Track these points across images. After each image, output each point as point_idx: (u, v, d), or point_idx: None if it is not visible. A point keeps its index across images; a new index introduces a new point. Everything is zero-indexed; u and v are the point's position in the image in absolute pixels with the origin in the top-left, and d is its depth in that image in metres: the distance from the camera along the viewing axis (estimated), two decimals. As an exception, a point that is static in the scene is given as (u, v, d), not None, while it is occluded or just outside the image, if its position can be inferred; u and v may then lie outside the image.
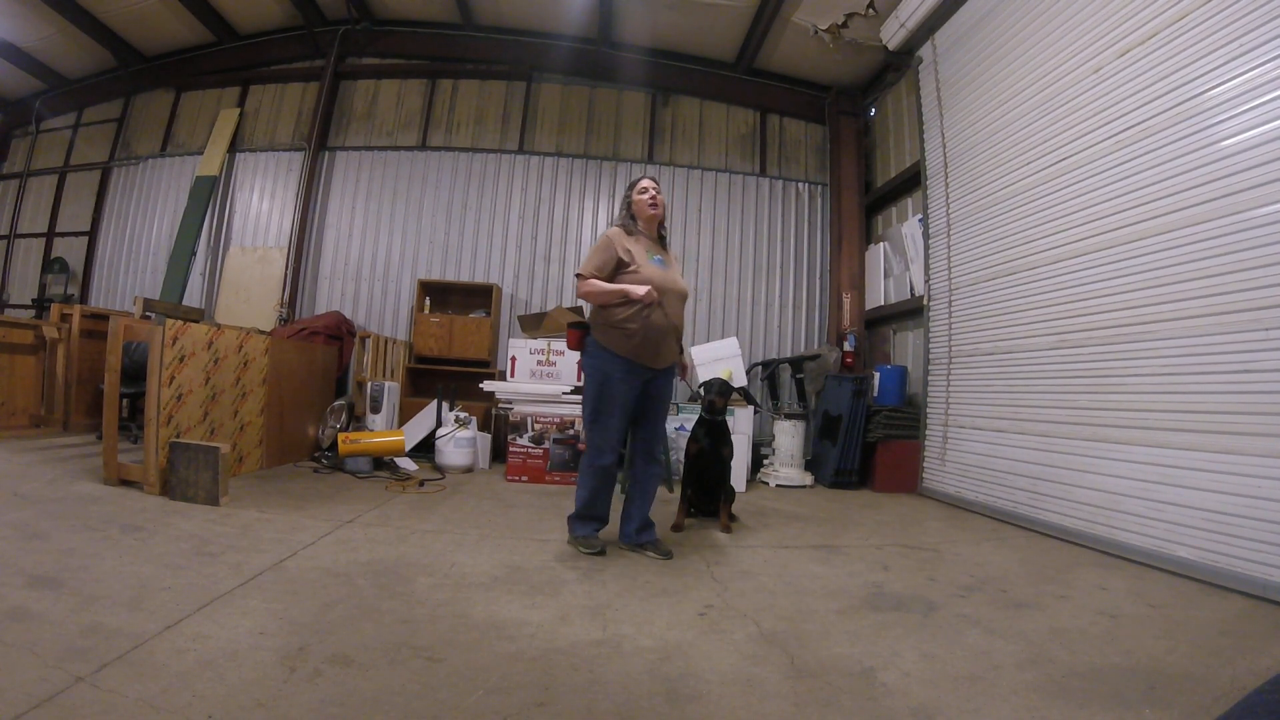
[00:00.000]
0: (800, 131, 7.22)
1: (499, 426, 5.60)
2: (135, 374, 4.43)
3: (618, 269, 2.80)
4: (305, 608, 1.98)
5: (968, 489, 4.50)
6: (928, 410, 5.10)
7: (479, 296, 6.60)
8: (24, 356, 4.98)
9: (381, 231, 6.91)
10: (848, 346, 6.26)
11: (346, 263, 6.90)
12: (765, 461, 5.52)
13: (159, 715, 1.33)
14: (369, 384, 5.37)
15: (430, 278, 6.66)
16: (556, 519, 3.37)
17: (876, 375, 5.53)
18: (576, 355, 3.64)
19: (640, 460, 3.00)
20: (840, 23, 5.92)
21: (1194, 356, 2.94)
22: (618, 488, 3.02)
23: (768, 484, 5.18)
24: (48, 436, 4.90)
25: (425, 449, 5.25)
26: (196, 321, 4.44)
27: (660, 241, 3.03)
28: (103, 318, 5.28)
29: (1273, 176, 2.63)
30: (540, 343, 5.17)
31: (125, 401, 4.99)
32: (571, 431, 4.80)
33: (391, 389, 5.44)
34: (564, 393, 4.85)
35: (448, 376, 5.91)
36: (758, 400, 5.81)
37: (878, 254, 6.32)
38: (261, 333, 4.76)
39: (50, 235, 7.78)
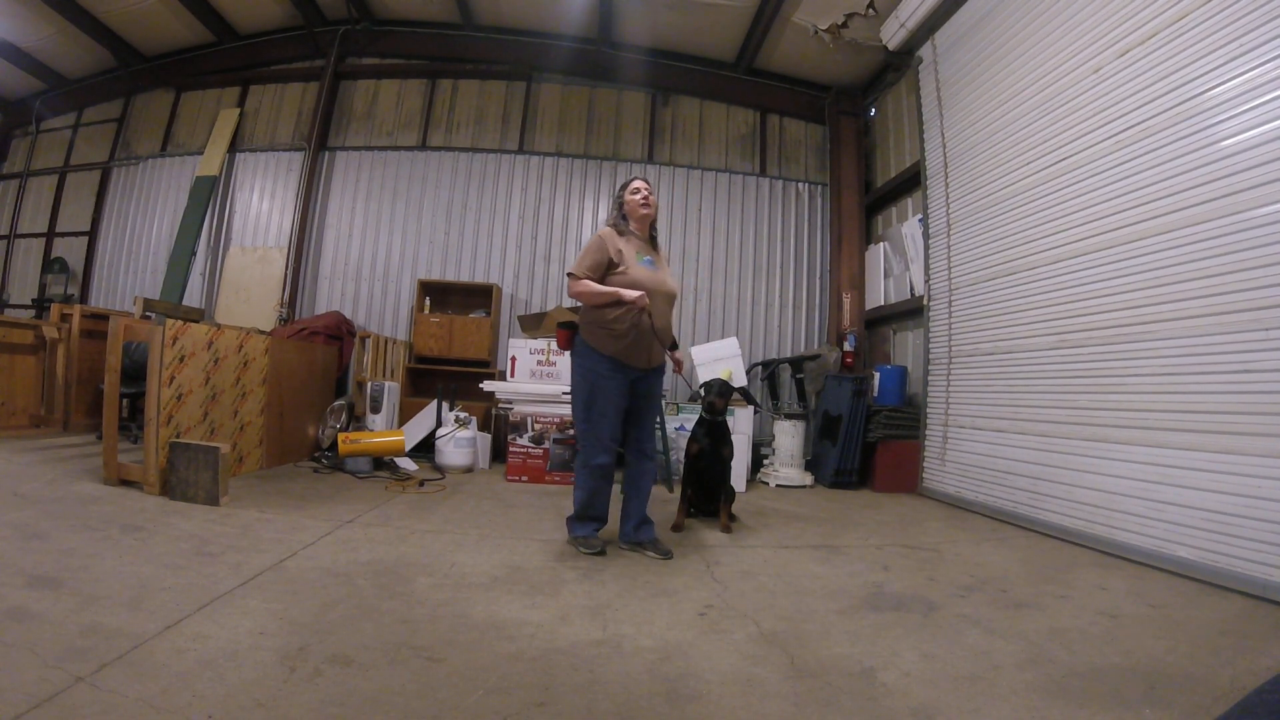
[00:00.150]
0: (800, 131, 7.22)
1: (499, 426, 5.61)
2: (135, 374, 4.44)
3: (608, 269, 2.81)
4: (305, 608, 1.98)
5: (968, 489, 4.50)
6: (928, 410, 5.10)
7: (479, 296, 6.60)
8: (24, 356, 4.98)
9: (381, 231, 6.91)
10: (848, 346, 6.26)
11: (346, 263, 6.90)
12: (765, 461, 5.51)
13: (159, 715, 1.33)
14: (369, 384, 5.37)
15: (430, 278, 6.66)
16: (556, 519, 3.38)
17: (876, 375, 5.53)
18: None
19: (633, 457, 3.00)
20: (840, 23, 5.92)
21: (1194, 356, 2.94)
22: (616, 487, 3.01)
23: (768, 484, 5.18)
24: (48, 436, 4.89)
25: (425, 449, 5.25)
26: (196, 321, 4.44)
27: (651, 242, 3.03)
28: (103, 318, 5.28)
29: (1273, 176, 2.63)
30: (540, 343, 5.17)
31: (125, 401, 4.99)
32: (571, 431, 4.79)
33: (391, 389, 5.44)
34: (564, 393, 4.83)
35: (448, 376, 5.91)
36: (758, 400, 5.81)
37: (878, 254, 6.32)
38: (261, 333, 4.76)
39: (50, 235, 7.79)
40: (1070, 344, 3.71)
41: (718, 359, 5.29)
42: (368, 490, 3.97)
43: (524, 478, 4.75)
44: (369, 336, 5.94)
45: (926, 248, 5.32)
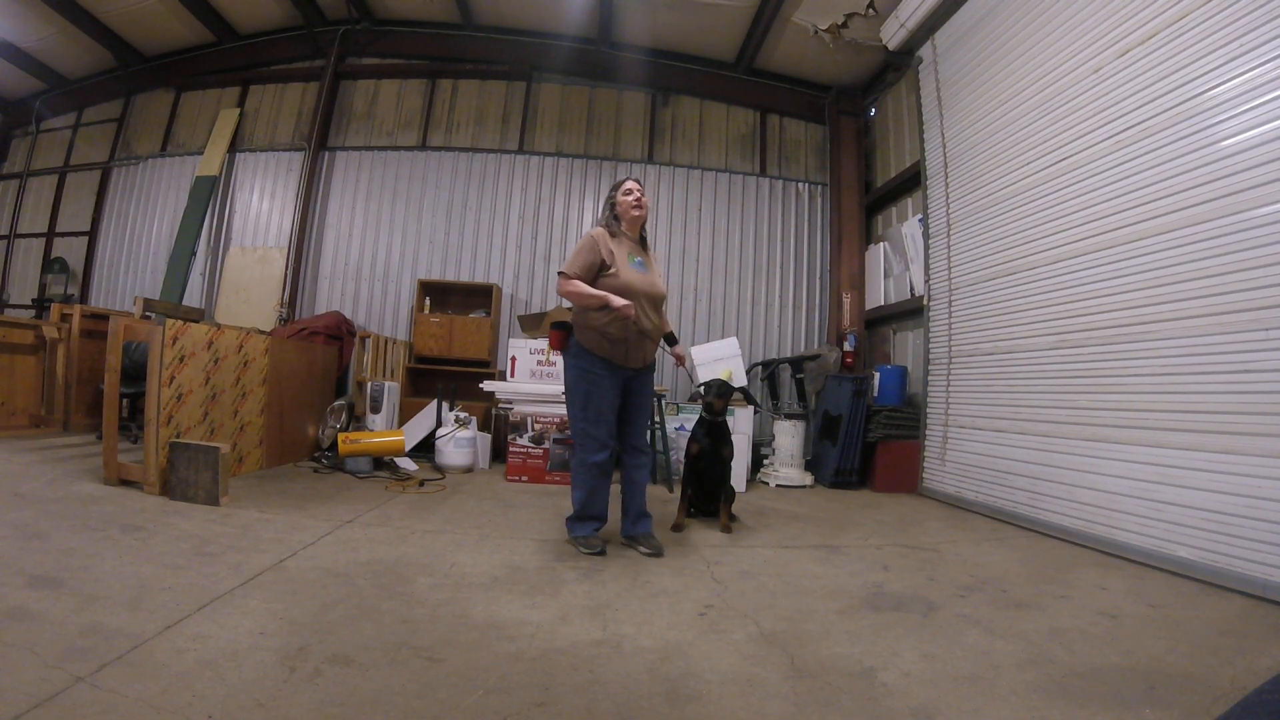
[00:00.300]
0: (800, 131, 7.22)
1: (499, 426, 5.61)
2: (135, 374, 4.44)
3: (599, 271, 2.82)
4: (305, 608, 1.98)
5: (968, 489, 4.50)
6: (928, 410, 5.10)
7: (479, 296, 6.60)
8: (24, 356, 4.98)
9: (381, 231, 6.91)
10: (848, 346, 6.26)
11: (346, 263, 6.90)
12: (765, 461, 5.52)
13: (159, 715, 1.33)
14: (369, 384, 5.37)
15: (430, 278, 6.66)
16: (556, 519, 3.38)
17: (876, 375, 5.53)
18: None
19: (626, 454, 3.02)
20: (840, 23, 5.92)
21: (1194, 356, 2.94)
22: (615, 486, 3.02)
23: (768, 484, 5.18)
24: (48, 436, 4.89)
25: (425, 449, 5.25)
26: (196, 321, 4.44)
27: (641, 243, 3.04)
28: (103, 318, 5.28)
29: (1273, 176, 2.63)
30: (540, 343, 5.17)
31: (125, 401, 4.99)
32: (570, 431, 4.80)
33: (391, 389, 5.44)
34: (564, 392, 4.84)
35: (448, 376, 5.91)
36: (758, 400, 5.81)
37: (878, 254, 6.32)
38: (261, 333, 4.76)
39: (50, 235, 7.78)
40: (1070, 344, 3.71)
41: (718, 359, 5.29)
42: (368, 490, 3.97)
43: (524, 478, 4.75)
44: (369, 336, 5.94)
45: (926, 248, 5.32)
